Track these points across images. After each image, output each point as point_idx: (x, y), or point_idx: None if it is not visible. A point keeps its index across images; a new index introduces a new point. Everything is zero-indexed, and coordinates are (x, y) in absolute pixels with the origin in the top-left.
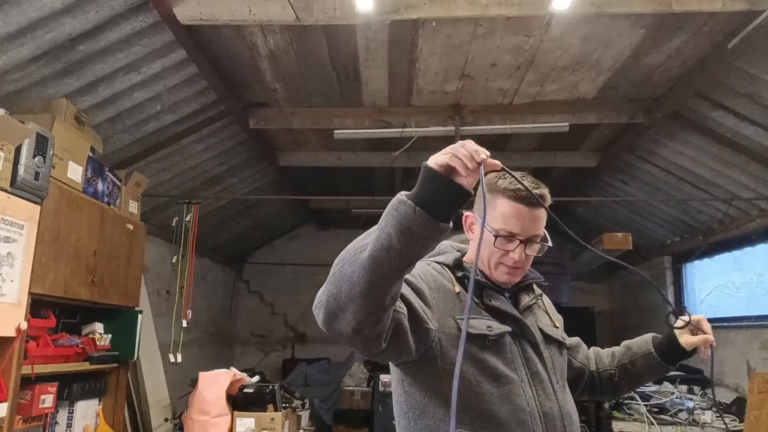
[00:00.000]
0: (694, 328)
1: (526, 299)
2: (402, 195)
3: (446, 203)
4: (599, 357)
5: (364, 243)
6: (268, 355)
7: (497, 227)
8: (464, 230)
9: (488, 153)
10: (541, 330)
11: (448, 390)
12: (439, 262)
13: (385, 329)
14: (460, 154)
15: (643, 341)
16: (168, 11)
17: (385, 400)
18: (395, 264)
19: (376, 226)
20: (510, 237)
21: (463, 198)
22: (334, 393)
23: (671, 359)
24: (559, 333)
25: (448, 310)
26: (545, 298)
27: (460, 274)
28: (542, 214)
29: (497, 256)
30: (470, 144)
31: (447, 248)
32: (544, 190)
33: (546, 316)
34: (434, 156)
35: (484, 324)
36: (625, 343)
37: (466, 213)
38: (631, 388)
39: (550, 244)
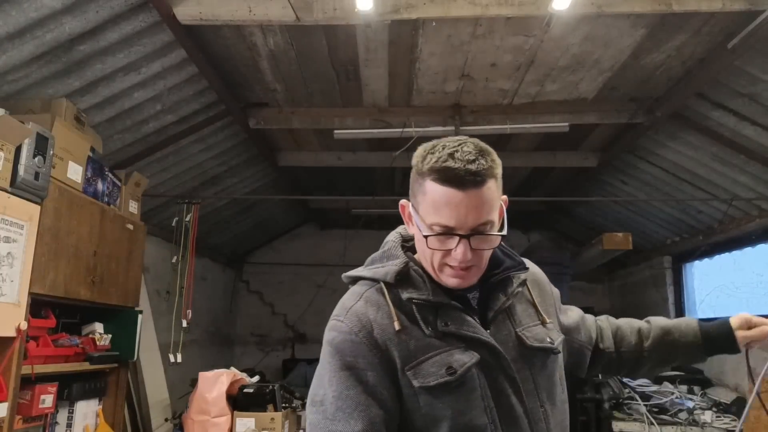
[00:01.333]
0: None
1: (499, 300)
2: None
3: None
4: (619, 334)
5: None
6: (268, 355)
7: (429, 221)
8: (404, 221)
9: None
10: (520, 338)
11: None
12: (374, 280)
13: None
14: None
15: (690, 330)
16: (168, 11)
17: None
18: None
19: None
20: (447, 233)
21: None
22: None
23: (712, 350)
24: (546, 335)
25: (402, 359)
26: (533, 283)
27: (405, 296)
28: (486, 195)
29: (439, 256)
30: None
31: (391, 248)
32: (485, 161)
33: (530, 312)
34: None
35: (442, 366)
36: (659, 323)
37: (402, 202)
38: (655, 372)
39: (503, 232)
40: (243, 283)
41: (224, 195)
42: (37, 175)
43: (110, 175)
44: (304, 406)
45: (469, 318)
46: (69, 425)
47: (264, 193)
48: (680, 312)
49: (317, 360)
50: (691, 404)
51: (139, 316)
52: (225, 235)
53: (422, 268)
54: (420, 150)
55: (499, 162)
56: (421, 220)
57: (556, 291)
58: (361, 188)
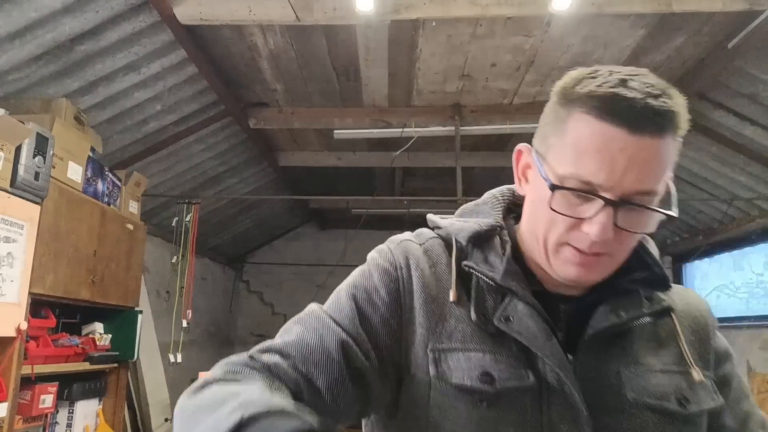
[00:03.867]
0: None
1: (608, 320)
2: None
3: None
4: None
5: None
6: None
7: (562, 171)
8: (515, 177)
9: None
10: (622, 383)
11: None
12: (439, 234)
13: None
14: None
15: None
16: (168, 11)
17: None
18: None
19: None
20: (586, 192)
21: None
22: None
23: None
24: (677, 390)
25: (429, 333)
26: (689, 318)
27: (468, 264)
28: (663, 151)
29: (562, 228)
30: None
31: (488, 202)
32: (672, 101)
33: (666, 351)
34: None
35: (477, 367)
36: None
37: (519, 146)
38: None
39: (673, 213)
40: (243, 283)
41: (224, 195)
42: (37, 175)
43: (110, 175)
44: None
45: (544, 325)
46: (69, 425)
47: (264, 193)
48: None
49: None
50: None
51: (139, 316)
52: (225, 235)
53: (516, 245)
54: (570, 74)
55: (686, 117)
56: (549, 170)
57: (722, 342)
58: (361, 188)
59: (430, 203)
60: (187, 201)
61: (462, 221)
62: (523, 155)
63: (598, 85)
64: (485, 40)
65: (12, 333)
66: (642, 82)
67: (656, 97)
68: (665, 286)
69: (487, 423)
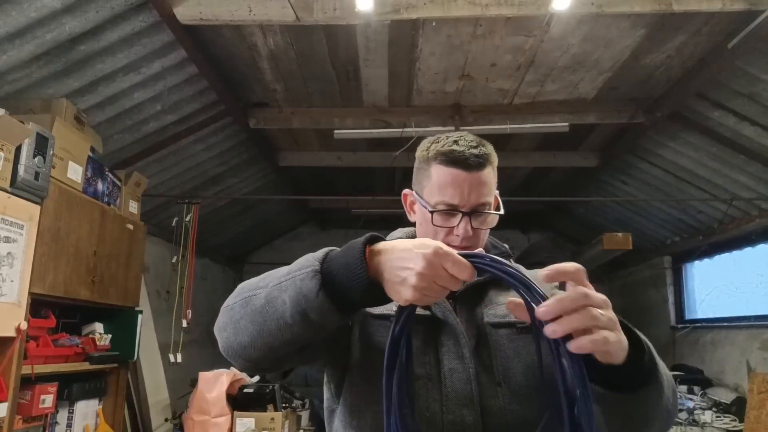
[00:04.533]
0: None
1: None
2: (316, 262)
3: (363, 303)
4: None
5: (264, 284)
6: None
7: (434, 201)
8: (406, 211)
9: (474, 262)
10: (483, 314)
11: (350, 388)
12: None
13: (289, 367)
14: (433, 291)
15: None
16: (168, 11)
17: None
18: (287, 337)
19: (284, 270)
20: (449, 211)
21: (387, 301)
22: None
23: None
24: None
25: None
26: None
27: None
28: (486, 178)
29: (441, 235)
30: (459, 266)
31: (395, 234)
32: (485, 148)
33: (513, 293)
34: (402, 256)
35: (393, 305)
36: None
37: (405, 191)
38: None
39: (501, 211)
40: None
41: (224, 195)
42: (37, 175)
43: (110, 175)
44: (304, 406)
45: None
46: (69, 425)
47: (264, 193)
48: (680, 312)
49: None
50: (691, 404)
51: (139, 316)
52: (225, 235)
53: None
54: (423, 142)
55: (495, 154)
56: (426, 202)
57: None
58: (361, 188)
59: None
60: (187, 201)
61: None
62: (408, 196)
63: (441, 146)
64: (485, 40)
65: (12, 333)
66: (466, 140)
67: (475, 147)
68: (509, 255)
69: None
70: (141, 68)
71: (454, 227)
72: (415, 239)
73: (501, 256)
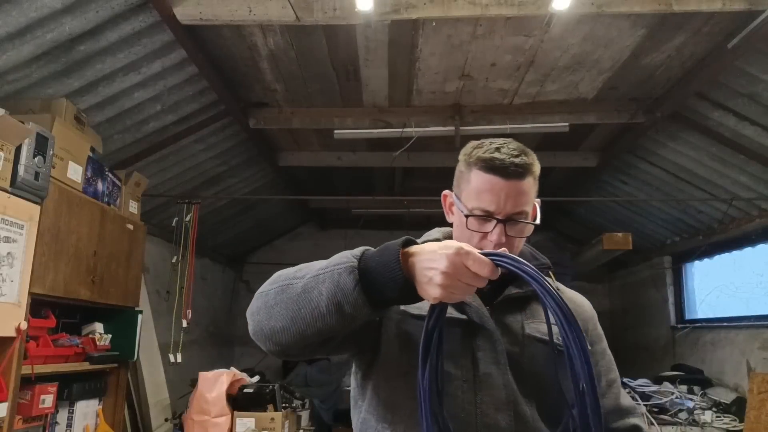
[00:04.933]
0: None
1: (512, 291)
2: (353, 259)
3: (396, 300)
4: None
5: (301, 275)
6: (268, 355)
7: (471, 205)
8: (444, 211)
9: (494, 259)
10: (523, 326)
11: (383, 382)
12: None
13: (314, 353)
14: (458, 289)
15: None
16: (168, 11)
17: None
18: (318, 326)
19: (322, 263)
20: (485, 216)
21: (418, 300)
22: (334, 393)
23: None
24: (557, 333)
25: None
26: (572, 295)
27: None
28: (525, 187)
29: (475, 240)
30: (479, 263)
31: (430, 234)
32: (527, 158)
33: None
34: (430, 257)
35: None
36: None
37: (444, 192)
38: None
39: (536, 222)
40: (243, 283)
41: (224, 195)
42: (37, 175)
43: (110, 175)
44: (303, 406)
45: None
46: (69, 425)
47: (264, 193)
48: (680, 312)
49: (317, 360)
50: (691, 404)
51: (139, 316)
52: (225, 235)
53: None
54: (468, 145)
55: (538, 164)
56: (462, 206)
57: (593, 316)
58: (361, 188)
59: (430, 203)
60: (187, 201)
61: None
62: (448, 198)
63: (483, 152)
64: (485, 40)
65: (12, 333)
66: (509, 147)
67: (516, 156)
68: (547, 267)
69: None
70: (141, 68)
71: (488, 233)
72: (442, 241)
73: (540, 268)
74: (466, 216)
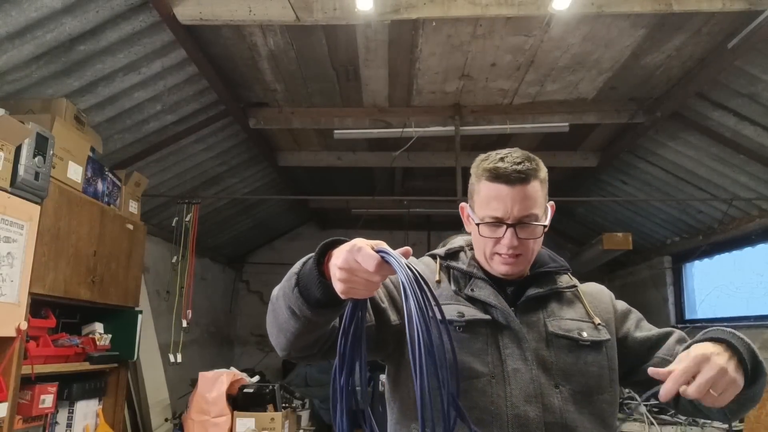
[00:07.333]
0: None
1: (534, 290)
2: (299, 265)
3: (324, 298)
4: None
5: (280, 285)
6: (268, 355)
7: (481, 214)
8: (464, 223)
9: (382, 254)
10: (545, 324)
11: (410, 382)
12: (432, 254)
13: (328, 348)
14: (357, 284)
15: None
16: (168, 11)
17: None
18: (291, 329)
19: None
20: (495, 223)
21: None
22: None
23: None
24: (579, 329)
25: None
26: (589, 288)
27: (446, 264)
28: (530, 192)
29: (490, 246)
30: (365, 257)
31: (454, 241)
32: (530, 164)
33: (573, 310)
34: (336, 254)
35: (455, 310)
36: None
37: (461, 204)
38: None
39: (545, 223)
40: (243, 283)
41: (224, 195)
42: (37, 175)
43: (110, 175)
44: (303, 406)
45: (495, 292)
46: (69, 425)
47: (264, 193)
48: (680, 312)
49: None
50: None
51: (139, 316)
52: (225, 235)
53: (476, 260)
54: (476, 159)
55: (543, 168)
56: (475, 215)
57: (622, 306)
58: (361, 188)
59: (430, 203)
60: (187, 201)
61: (442, 248)
62: (465, 210)
63: (488, 163)
64: (485, 40)
65: (12, 333)
66: (512, 157)
67: (518, 164)
68: (565, 269)
69: (463, 342)
70: (141, 68)
71: (500, 238)
72: (353, 239)
73: (558, 270)
74: (477, 224)
